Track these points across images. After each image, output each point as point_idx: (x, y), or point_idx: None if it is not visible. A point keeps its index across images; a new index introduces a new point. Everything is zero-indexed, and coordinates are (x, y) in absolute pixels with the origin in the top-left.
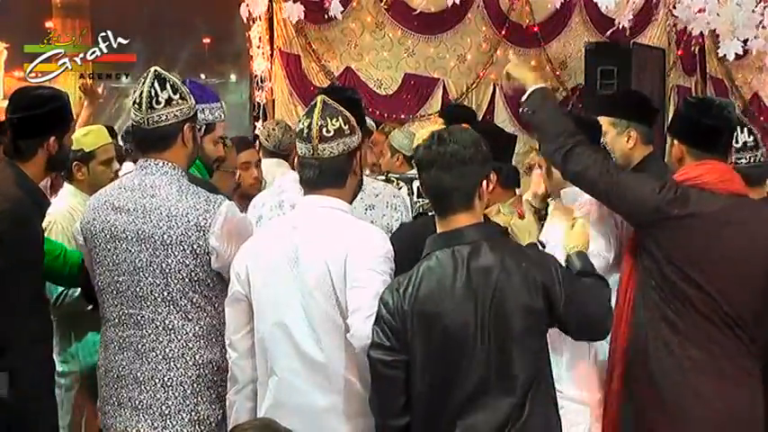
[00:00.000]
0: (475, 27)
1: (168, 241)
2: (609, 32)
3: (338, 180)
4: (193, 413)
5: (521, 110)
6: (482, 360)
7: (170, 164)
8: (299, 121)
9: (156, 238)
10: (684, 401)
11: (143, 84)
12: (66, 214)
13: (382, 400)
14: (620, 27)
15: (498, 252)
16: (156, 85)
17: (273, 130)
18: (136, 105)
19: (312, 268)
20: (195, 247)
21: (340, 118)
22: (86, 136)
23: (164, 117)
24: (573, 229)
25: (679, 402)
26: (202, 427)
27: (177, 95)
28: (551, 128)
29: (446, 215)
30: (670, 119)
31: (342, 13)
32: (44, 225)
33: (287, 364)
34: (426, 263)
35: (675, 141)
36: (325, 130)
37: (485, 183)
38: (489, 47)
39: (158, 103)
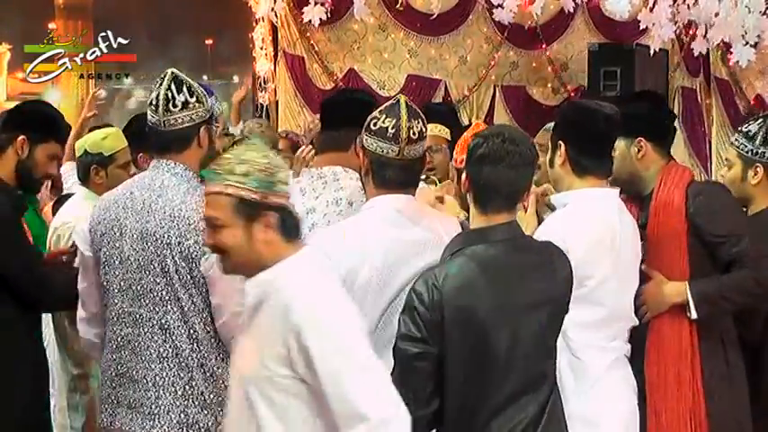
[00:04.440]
0: (476, 28)
1: (168, 241)
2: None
3: (416, 181)
4: (182, 415)
5: (696, 316)
6: (519, 357)
7: (182, 165)
8: (377, 118)
9: (158, 236)
10: None
11: (159, 85)
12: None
13: (409, 391)
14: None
15: (531, 250)
16: (172, 87)
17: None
18: (152, 107)
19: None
20: (191, 250)
21: (420, 120)
22: (105, 140)
23: (180, 120)
24: None
25: None
26: (191, 431)
27: (194, 99)
28: (735, 295)
29: (490, 211)
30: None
31: (345, 14)
32: (63, 231)
33: None
34: (461, 257)
35: (642, 140)
36: (412, 132)
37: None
38: (491, 48)
39: (175, 105)
